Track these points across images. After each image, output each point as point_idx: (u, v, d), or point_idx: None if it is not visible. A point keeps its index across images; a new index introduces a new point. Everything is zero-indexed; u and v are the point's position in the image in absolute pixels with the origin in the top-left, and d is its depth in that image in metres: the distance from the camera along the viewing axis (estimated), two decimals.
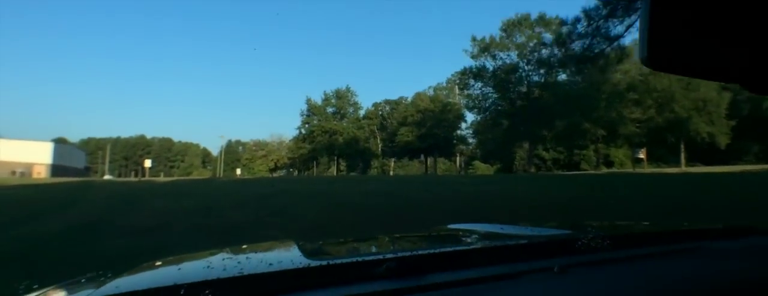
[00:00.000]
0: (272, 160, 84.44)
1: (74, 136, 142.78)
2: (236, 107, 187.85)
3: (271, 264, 0.94)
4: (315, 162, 76.24)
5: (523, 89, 43.19)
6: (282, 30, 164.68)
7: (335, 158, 67.52)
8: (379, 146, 69.40)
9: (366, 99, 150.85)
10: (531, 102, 41.55)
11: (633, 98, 48.18)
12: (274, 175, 76.90)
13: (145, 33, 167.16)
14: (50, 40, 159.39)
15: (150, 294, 0.83)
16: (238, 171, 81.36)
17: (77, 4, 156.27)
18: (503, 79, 42.75)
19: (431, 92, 64.68)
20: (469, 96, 48.08)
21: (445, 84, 67.63)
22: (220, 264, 1.00)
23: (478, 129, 52.45)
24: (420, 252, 1.08)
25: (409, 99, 67.79)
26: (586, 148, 65.26)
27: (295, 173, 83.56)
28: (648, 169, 45.76)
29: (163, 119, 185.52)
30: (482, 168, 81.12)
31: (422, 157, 65.12)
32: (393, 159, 74.44)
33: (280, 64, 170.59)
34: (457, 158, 73.10)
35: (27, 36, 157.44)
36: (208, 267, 1.00)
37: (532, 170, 51.04)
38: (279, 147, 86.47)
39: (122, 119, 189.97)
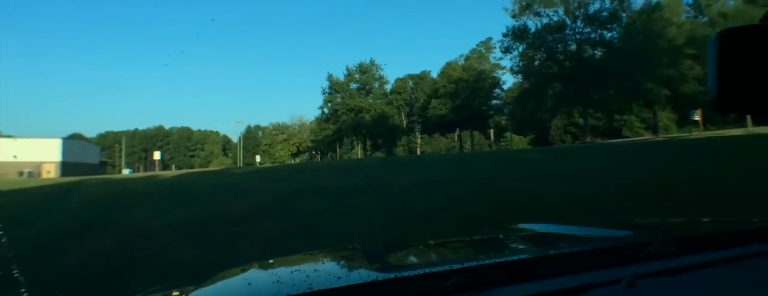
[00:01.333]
0: (293, 144, 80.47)
1: (92, 131, 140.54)
2: (255, 91, 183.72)
3: (339, 278, 0.96)
4: (338, 144, 71.89)
5: (573, 48, 38.00)
6: (296, 7, 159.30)
7: (362, 137, 62.86)
8: (404, 122, 64.72)
9: (387, 75, 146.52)
10: (583, 62, 36.36)
11: (690, 54, 42.96)
12: (296, 160, 73.18)
13: (155, 20, 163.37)
14: (62, 37, 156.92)
15: None
16: (258, 158, 77.62)
17: None
18: (549, 39, 37.63)
19: (462, 62, 59.41)
20: (511, 61, 42.95)
21: (471, 54, 62.43)
22: (289, 277, 1.02)
23: (518, 97, 47.13)
24: (486, 262, 1.08)
25: (434, 73, 63.04)
26: (628, 113, 59.79)
27: (318, 157, 79.71)
28: (706, 133, 40.79)
29: (181, 108, 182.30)
30: (516, 141, 76.10)
31: (458, 131, 60.23)
32: (420, 135, 69.84)
33: (296, 43, 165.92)
34: (492, 131, 68.06)
35: (39, 34, 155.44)
36: (278, 281, 1.00)
37: (587, 140, 45.98)
38: (300, 130, 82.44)
39: (140, 111, 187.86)
